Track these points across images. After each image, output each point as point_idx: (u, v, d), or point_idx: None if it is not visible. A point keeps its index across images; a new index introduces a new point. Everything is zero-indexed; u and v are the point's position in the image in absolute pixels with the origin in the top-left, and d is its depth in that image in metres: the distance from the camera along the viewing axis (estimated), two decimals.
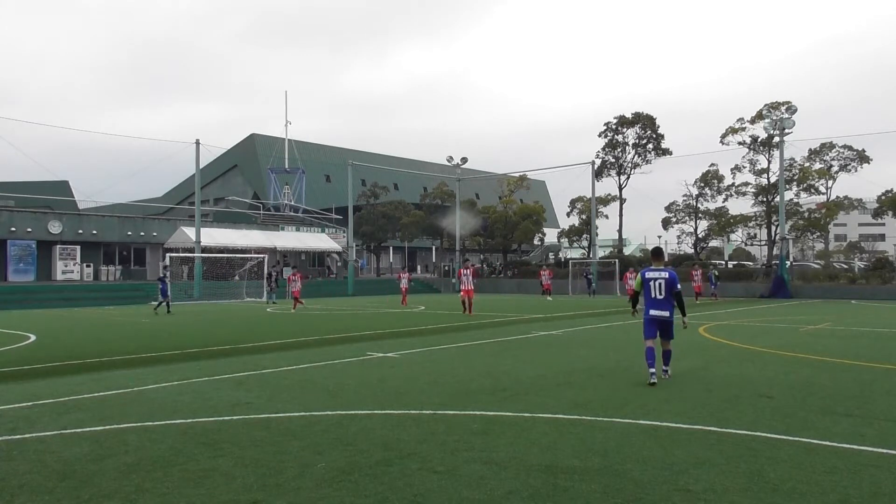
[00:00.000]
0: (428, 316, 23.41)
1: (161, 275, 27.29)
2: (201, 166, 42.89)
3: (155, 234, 48.22)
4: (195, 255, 39.60)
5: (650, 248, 70.35)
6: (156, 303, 26.82)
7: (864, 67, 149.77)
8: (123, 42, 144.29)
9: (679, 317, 9.42)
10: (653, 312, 9.24)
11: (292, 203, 57.86)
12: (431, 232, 61.29)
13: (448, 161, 53.88)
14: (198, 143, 40.40)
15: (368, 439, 6.26)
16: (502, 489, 4.83)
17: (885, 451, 5.77)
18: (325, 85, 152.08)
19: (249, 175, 69.58)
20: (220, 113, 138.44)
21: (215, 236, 46.81)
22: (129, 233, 47.24)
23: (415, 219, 58.83)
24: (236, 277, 41.84)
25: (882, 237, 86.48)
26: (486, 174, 65.62)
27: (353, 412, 7.50)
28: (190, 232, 43.36)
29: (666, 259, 10.08)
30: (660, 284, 9.14)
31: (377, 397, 8.41)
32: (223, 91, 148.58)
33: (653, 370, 9.07)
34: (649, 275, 9.30)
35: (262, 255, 40.44)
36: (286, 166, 59.95)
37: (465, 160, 53.41)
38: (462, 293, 24.32)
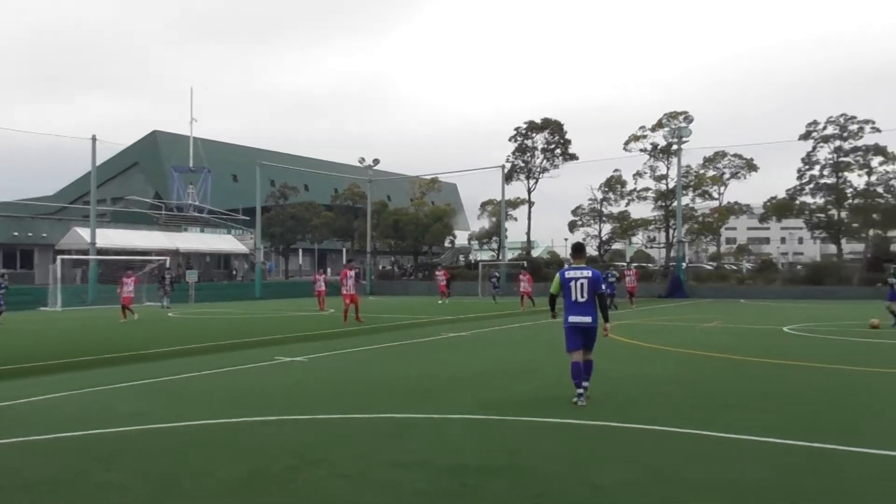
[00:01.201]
0: (338, 319, 23.13)
1: None
2: (98, 163, 40.73)
3: (45, 234, 45.44)
4: (90, 257, 37.55)
5: (555, 250, 71.61)
6: None
7: (755, 83, 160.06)
8: (22, 33, 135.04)
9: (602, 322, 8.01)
10: (573, 319, 7.92)
11: (197, 203, 55.86)
12: (342, 234, 60.70)
13: (360, 162, 53.49)
14: (94, 138, 38.34)
15: (274, 446, 6.11)
16: (411, 491, 4.83)
17: (769, 439, 6.13)
18: (240, 84, 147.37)
19: (151, 174, 66.69)
20: (124, 110, 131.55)
21: (112, 237, 44.57)
22: (16, 233, 44.31)
23: (325, 220, 58.07)
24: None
25: (767, 240, 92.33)
26: (398, 176, 65.54)
27: (258, 418, 7.30)
28: (84, 233, 41.09)
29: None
30: (582, 285, 7.88)
31: (285, 403, 8.23)
32: (130, 88, 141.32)
33: (580, 390, 7.78)
34: (569, 274, 8.01)
35: (164, 258, 38.81)
36: (191, 165, 57.84)
37: (377, 161, 53.16)
38: (345, 298, 20.81)
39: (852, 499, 4.67)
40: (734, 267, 55.86)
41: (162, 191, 62.13)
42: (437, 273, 38.49)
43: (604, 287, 8.20)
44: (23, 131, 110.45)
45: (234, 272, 57.53)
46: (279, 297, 42.96)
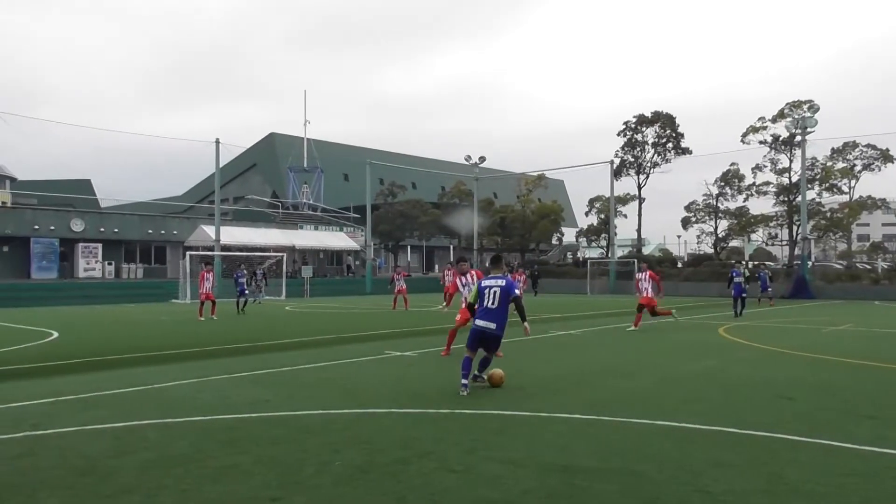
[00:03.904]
0: (446, 315, 23.40)
1: None
2: (221, 165, 43.25)
3: (175, 232, 48.70)
4: (215, 253, 39.94)
5: (667, 247, 69.07)
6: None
7: (888, 70, 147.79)
8: (159, 47, 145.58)
9: (521, 327, 8.71)
10: (479, 323, 8.61)
11: (311, 202, 58.14)
12: (449, 231, 61.33)
13: (466, 160, 53.85)
14: (217, 141, 40.75)
15: (386, 438, 6.28)
16: (519, 488, 4.83)
17: None
18: (352, 88, 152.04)
19: (268, 174, 70.00)
20: (249, 114, 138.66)
21: (235, 234, 47.14)
22: (150, 231, 47.75)
23: (432, 218, 58.88)
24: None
25: None
26: (504, 173, 65.47)
27: (370, 410, 7.53)
28: (210, 230, 43.73)
29: (505, 268, 9.20)
30: (494, 293, 8.58)
31: (394, 396, 8.43)
32: (251, 94, 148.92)
33: (465, 381, 8.41)
34: (486, 283, 8.77)
35: (280, 254, 40.69)
36: (305, 165, 60.24)
37: (482, 159, 53.33)
38: (201, 296, 19.67)
39: None
40: (867, 266, 51.93)
41: (279, 190, 65.10)
42: (446, 271, 26.76)
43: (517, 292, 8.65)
44: (155, 136, 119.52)
45: (351, 269, 59.31)
46: (389, 293, 44.02)
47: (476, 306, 8.78)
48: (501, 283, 8.65)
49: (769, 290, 31.05)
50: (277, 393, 8.65)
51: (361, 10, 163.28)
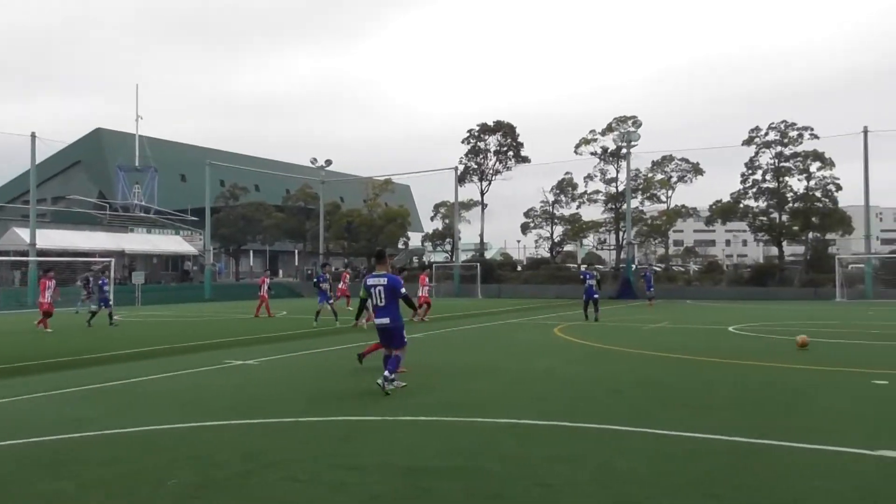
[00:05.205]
0: (290, 321, 22.88)
1: None
2: (39, 161, 39.40)
3: None
4: (29, 258, 36.26)
5: (508, 251, 71.81)
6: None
7: (700, 93, 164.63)
8: None
9: (409, 320, 9.79)
10: (376, 320, 9.05)
11: (143, 203, 54.40)
12: (294, 235, 60.00)
13: (312, 163, 52.95)
14: (34, 136, 37.11)
15: (226, 451, 6.02)
16: (365, 494, 4.82)
17: (716, 437, 6.33)
18: (191, 85, 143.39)
19: (94, 172, 64.76)
20: (70, 108, 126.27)
21: (53, 238, 43.12)
22: None
23: (277, 221, 57.31)
24: (78, 283, 38.70)
25: (713, 243, 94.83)
26: (351, 177, 65.10)
27: (209, 423, 7.18)
28: (23, 233, 39.71)
29: (389, 263, 9.75)
30: (380, 291, 8.87)
31: (235, 406, 8.10)
32: (79, 86, 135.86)
33: (386, 374, 8.79)
34: (370, 282, 9.03)
35: (108, 259, 37.72)
36: (136, 164, 56.30)
37: (329, 162, 52.72)
38: (42, 306, 19.51)
39: (789, 492, 4.85)
40: (682, 269, 57.22)
41: (106, 190, 60.37)
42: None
43: (404, 290, 9.20)
44: None
45: (189, 274, 56.14)
46: (229, 300, 42.22)
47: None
48: (384, 281, 8.92)
49: (651, 289, 32.08)
50: (106, 409, 8.02)
51: (203, 4, 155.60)
